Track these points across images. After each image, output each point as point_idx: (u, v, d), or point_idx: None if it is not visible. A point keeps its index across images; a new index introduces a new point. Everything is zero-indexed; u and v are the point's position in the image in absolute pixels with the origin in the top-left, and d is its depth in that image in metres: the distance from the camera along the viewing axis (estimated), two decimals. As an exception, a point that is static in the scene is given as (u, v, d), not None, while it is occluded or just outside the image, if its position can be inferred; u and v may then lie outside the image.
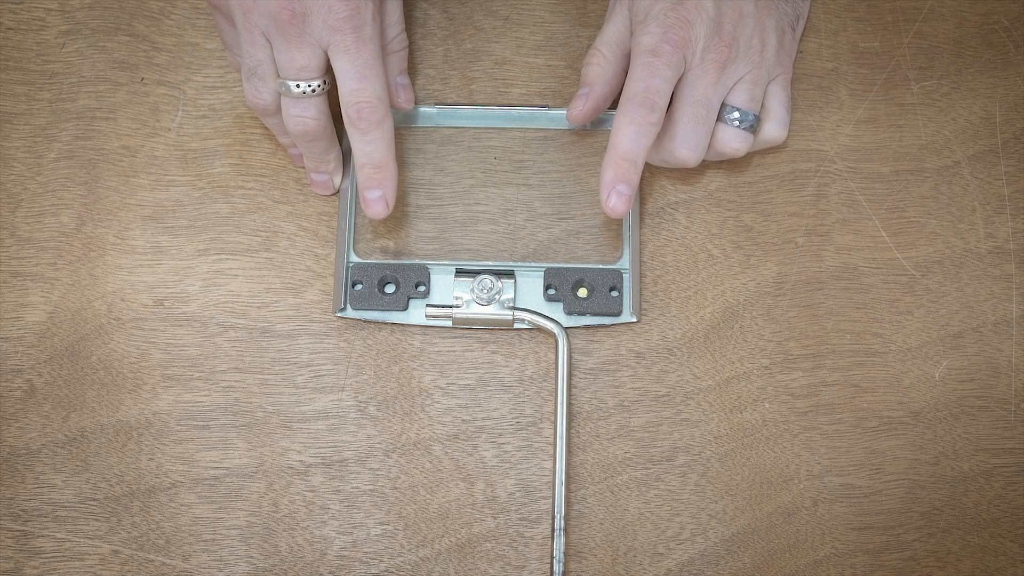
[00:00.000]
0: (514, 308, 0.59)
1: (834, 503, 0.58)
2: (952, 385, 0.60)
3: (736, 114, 0.58)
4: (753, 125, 0.59)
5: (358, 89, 0.55)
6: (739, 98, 0.58)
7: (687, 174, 0.62)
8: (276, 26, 0.54)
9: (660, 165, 0.61)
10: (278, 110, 0.57)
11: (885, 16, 0.64)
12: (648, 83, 0.56)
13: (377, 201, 0.57)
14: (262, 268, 0.61)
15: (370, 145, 0.56)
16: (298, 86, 0.55)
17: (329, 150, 0.59)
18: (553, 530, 0.57)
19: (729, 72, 0.57)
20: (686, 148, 0.58)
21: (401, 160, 0.62)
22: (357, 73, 0.54)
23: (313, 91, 0.55)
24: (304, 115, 0.56)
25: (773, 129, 0.60)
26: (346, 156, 0.61)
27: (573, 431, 0.59)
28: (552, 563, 0.56)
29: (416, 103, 0.63)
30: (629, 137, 0.56)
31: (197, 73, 0.63)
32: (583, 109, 0.60)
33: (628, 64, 0.58)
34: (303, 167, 0.61)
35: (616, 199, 0.56)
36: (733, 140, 0.58)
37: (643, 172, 0.62)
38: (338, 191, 0.61)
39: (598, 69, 0.60)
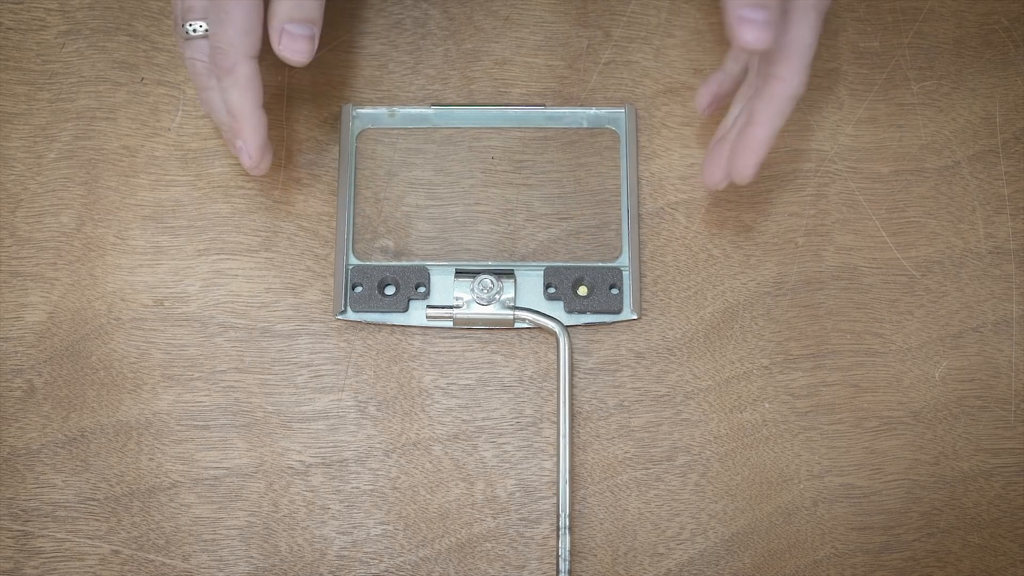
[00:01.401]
0: (514, 308, 0.59)
1: (834, 503, 0.58)
2: (952, 385, 0.60)
3: None
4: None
5: (214, 33, 0.54)
6: None
7: (687, 174, 0.62)
8: None
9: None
10: None
11: (885, 16, 0.64)
12: None
13: (240, 151, 0.56)
14: (262, 268, 0.61)
15: (225, 92, 0.54)
16: (185, 26, 0.55)
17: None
18: (558, 528, 0.57)
19: None
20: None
21: (397, 160, 0.62)
22: (215, 17, 0.54)
23: (195, 32, 0.55)
24: (194, 56, 0.55)
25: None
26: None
27: (573, 431, 0.59)
28: (558, 561, 0.56)
29: (416, 103, 0.63)
30: None
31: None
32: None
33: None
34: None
35: (747, 27, 0.50)
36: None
37: (644, 171, 0.62)
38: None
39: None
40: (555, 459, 0.59)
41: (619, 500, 0.58)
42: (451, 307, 0.59)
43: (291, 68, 0.63)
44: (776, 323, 0.60)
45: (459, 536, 0.58)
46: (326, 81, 0.63)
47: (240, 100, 0.54)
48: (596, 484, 0.59)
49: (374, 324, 0.60)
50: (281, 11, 0.54)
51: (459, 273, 0.60)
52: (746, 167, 0.55)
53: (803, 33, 0.53)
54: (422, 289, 0.60)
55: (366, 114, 0.63)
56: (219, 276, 0.61)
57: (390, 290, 0.60)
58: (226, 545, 0.58)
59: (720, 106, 0.60)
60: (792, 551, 0.58)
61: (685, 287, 0.61)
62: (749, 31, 0.50)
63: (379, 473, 0.59)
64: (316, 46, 0.54)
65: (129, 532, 0.58)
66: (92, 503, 0.58)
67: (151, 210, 0.61)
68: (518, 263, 0.60)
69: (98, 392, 0.59)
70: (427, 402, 0.59)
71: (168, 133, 0.62)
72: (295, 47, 0.54)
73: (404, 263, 0.60)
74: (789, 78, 0.53)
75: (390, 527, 0.58)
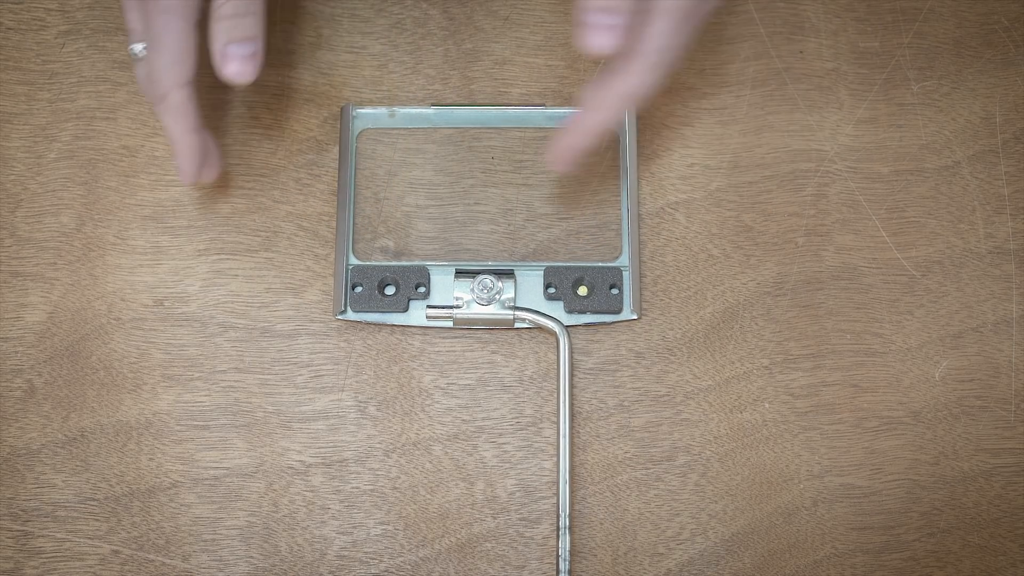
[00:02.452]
0: (515, 308, 0.59)
1: (834, 503, 0.58)
2: (952, 385, 0.60)
3: None
4: None
5: (149, 59, 0.53)
6: None
7: (687, 174, 0.62)
8: None
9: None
10: None
11: (885, 16, 0.64)
12: None
13: (178, 171, 0.56)
14: (262, 268, 0.61)
15: (160, 118, 0.54)
16: (131, 48, 0.55)
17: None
18: (558, 528, 0.57)
19: None
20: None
21: (398, 160, 0.62)
22: (150, 43, 0.53)
23: (140, 53, 0.55)
24: (140, 77, 0.55)
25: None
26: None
27: (573, 431, 0.59)
28: (558, 561, 0.56)
29: (416, 103, 0.63)
30: None
31: (197, 73, 0.63)
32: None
33: None
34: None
35: (593, 32, 0.49)
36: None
37: (644, 171, 0.62)
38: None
39: None
40: (555, 459, 0.59)
41: (619, 500, 0.58)
42: (451, 307, 0.59)
43: (291, 68, 0.63)
44: (776, 323, 0.60)
45: (459, 536, 0.58)
46: (326, 81, 0.63)
47: (173, 126, 0.54)
48: (596, 484, 0.59)
49: (374, 324, 0.60)
50: (221, 34, 0.52)
51: (459, 273, 0.60)
52: (563, 151, 0.53)
53: (654, 35, 0.51)
54: (422, 289, 0.60)
55: (366, 114, 0.63)
56: (219, 276, 0.61)
57: (390, 290, 0.60)
58: (226, 545, 0.58)
59: None
60: (792, 551, 0.58)
61: (685, 287, 0.61)
62: (594, 36, 0.49)
63: (379, 473, 0.59)
64: (260, 62, 0.53)
65: (129, 532, 0.58)
66: (92, 503, 0.58)
67: (151, 210, 0.61)
68: (518, 263, 0.60)
69: (98, 392, 0.59)
70: (427, 402, 0.59)
71: (168, 133, 0.62)
72: (238, 69, 0.53)
73: (404, 263, 0.60)
74: (629, 77, 0.51)
75: (390, 527, 0.58)
